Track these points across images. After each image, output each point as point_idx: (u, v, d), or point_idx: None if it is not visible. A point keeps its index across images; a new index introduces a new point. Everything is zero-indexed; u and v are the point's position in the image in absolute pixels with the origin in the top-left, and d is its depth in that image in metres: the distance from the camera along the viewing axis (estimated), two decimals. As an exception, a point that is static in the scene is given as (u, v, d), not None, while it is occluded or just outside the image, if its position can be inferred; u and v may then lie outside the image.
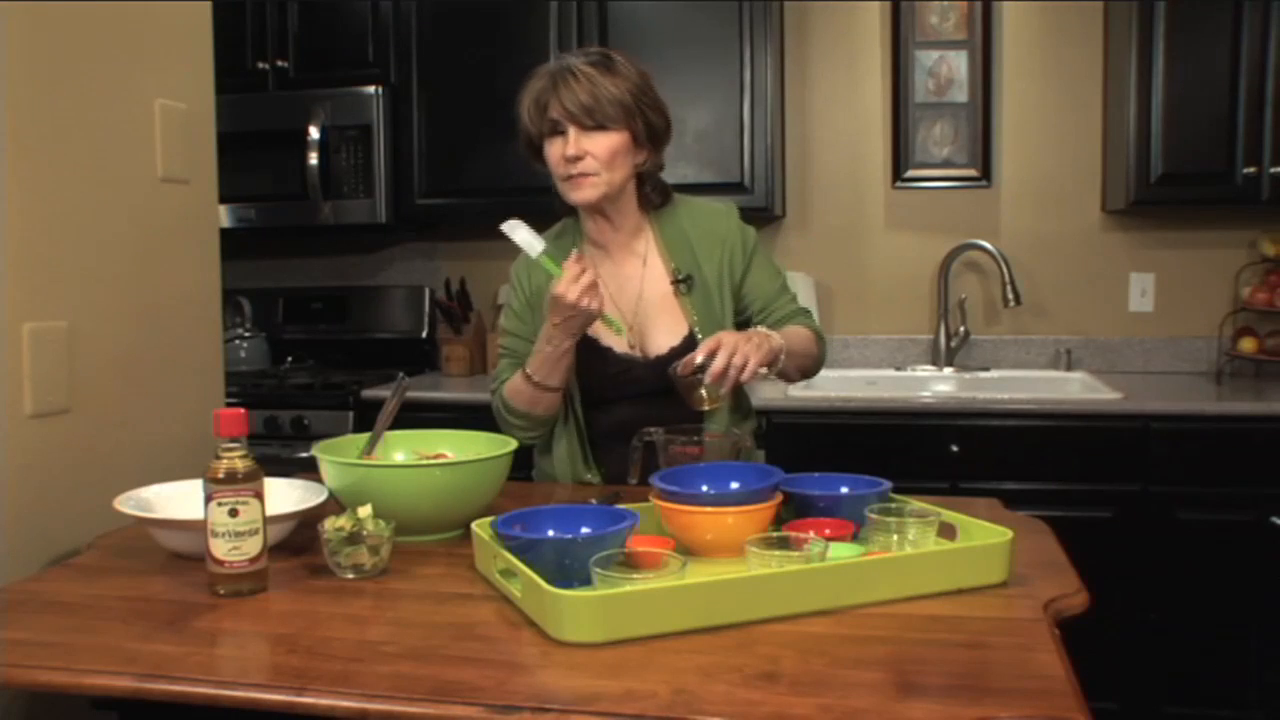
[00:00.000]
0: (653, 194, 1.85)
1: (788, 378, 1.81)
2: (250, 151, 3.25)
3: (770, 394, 2.76)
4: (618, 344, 1.81)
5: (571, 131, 1.70)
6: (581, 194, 1.74)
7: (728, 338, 1.58)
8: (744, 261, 1.85)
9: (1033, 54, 3.28)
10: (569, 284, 1.63)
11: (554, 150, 1.73)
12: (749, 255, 1.86)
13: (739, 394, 1.88)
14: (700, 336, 1.77)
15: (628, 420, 1.72)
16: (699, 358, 1.57)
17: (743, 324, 1.85)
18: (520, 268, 1.90)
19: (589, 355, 1.79)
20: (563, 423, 1.84)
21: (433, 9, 3.24)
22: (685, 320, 1.81)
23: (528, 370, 1.77)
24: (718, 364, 1.54)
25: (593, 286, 1.64)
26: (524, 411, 1.81)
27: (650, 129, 1.76)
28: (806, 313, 1.91)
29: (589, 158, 1.71)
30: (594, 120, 1.70)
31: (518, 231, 1.68)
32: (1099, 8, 3.23)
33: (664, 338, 1.81)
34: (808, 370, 1.84)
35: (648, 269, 1.85)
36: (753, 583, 1.15)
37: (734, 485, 1.41)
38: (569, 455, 1.84)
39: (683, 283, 1.82)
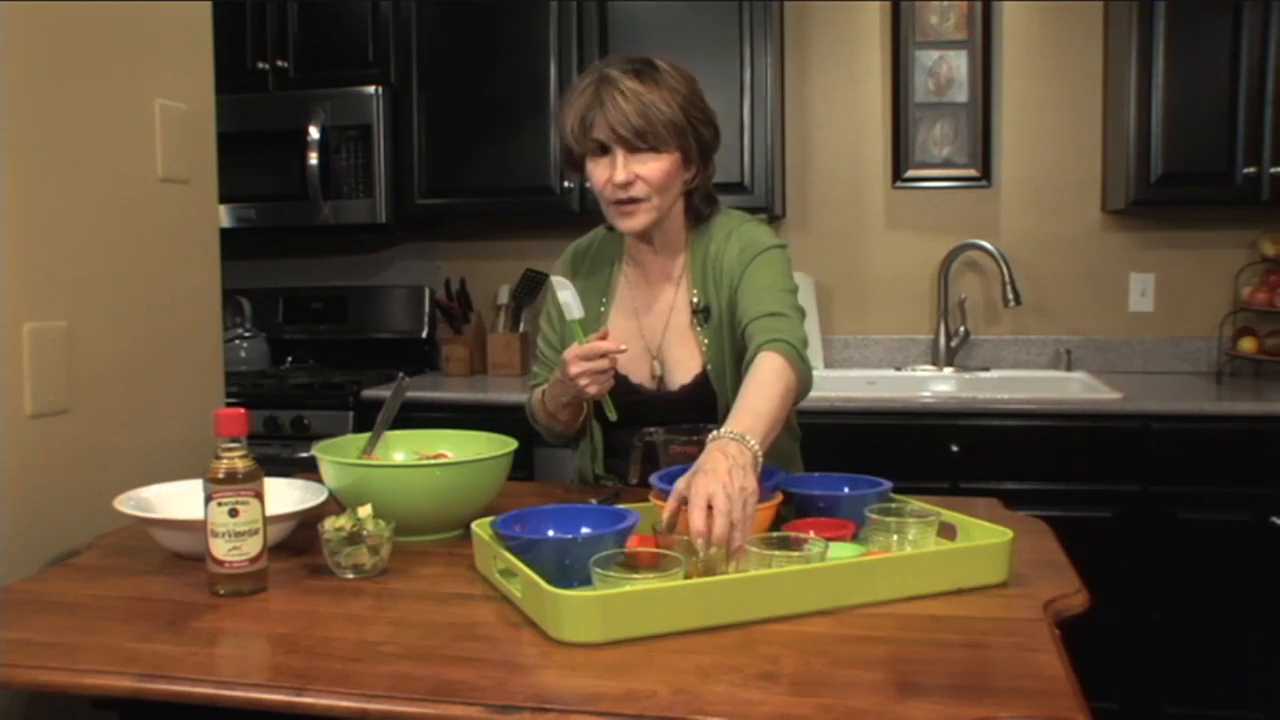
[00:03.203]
0: (701, 205, 1.73)
1: None
2: (250, 151, 3.25)
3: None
4: (635, 373, 1.74)
5: (620, 154, 1.58)
6: (632, 222, 1.63)
7: (702, 486, 1.21)
8: (740, 274, 1.66)
9: (1033, 54, 3.28)
10: (576, 358, 1.54)
11: (599, 172, 1.61)
12: (745, 264, 1.66)
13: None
14: (711, 374, 1.69)
15: None
16: (667, 513, 1.26)
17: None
18: (565, 270, 1.83)
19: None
20: (584, 437, 1.81)
21: (433, 9, 3.24)
22: (700, 356, 1.71)
23: (545, 394, 1.74)
24: (717, 531, 1.18)
25: (600, 373, 1.55)
26: (544, 425, 1.81)
27: (701, 144, 1.64)
28: (777, 318, 1.57)
29: (639, 182, 1.59)
30: (645, 143, 1.58)
31: (563, 291, 1.60)
32: (1099, 8, 3.23)
33: (679, 373, 1.72)
34: (790, 409, 1.56)
35: (678, 296, 1.75)
36: (753, 583, 1.15)
37: (734, 485, 1.41)
38: (589, 463, 1.81)
39: (699, 314, 1.71)
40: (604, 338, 1.58)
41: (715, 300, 1.70)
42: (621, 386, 1.70)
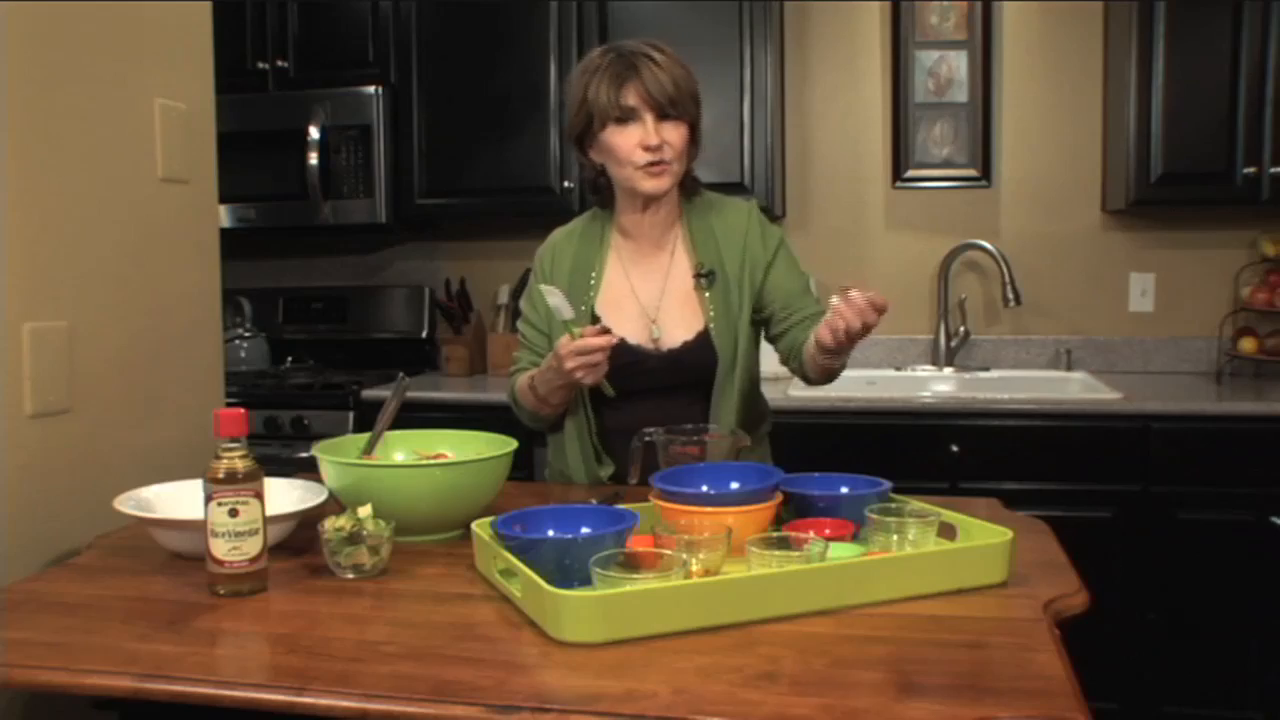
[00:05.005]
0: (689, 183, 1.83)
1: (809, 376, 1.77)
2: (250, 151, 3.25)
3: (770, 394, 2.75)
4: (632, 334, 1.79)
5: (650, 119, 1.69)
6: (660, 183, 1.72)
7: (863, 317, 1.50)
8: (766, 260, 1.81)
9: (1033, 54, 3.28)
10: (570, 353, 1.61)
11: (627, 138, 1.70)
12: (773, 254, 1.82)
13: (756, 400, 1.88)
14: (714, 332, 1.78)
15: (639, 417, 1.69)
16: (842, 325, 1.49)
17: (761, 322, 1.84)
18: (545, 253, 1.89)
19: None
20: (572, 417, 1.82)
21: (433, 9, 3.24)
22: (702, 315, 1.80)
23: (534, 379, 1.77)
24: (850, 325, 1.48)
25: (593, 366, 1.62)
26: (530, 410, 1.84)
27: (699, 122, 1.76)
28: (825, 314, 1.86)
29: (666, 146, 1.69)
30: (675, 110, 1.69)
31: (552, 297, 1.64)
32: (1099, 8, 3.23)
33: (679, 332, 1.80)
34: (833, 374, 1.76)
35: (674, 262, 1.84)
36: (753, 583, 1.15)
37: (734, 485, 1.41)
38: (581, 453, 1.82)
39: (704, 277, 1.80)
40: (599, 333, 1.63)
41: (721, 266, 1.80)
42: (620, 348, 1.73)
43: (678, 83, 1.69)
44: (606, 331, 1.65)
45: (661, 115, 1.69)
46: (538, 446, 2.81)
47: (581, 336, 1.61)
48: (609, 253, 1.86)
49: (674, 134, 1.70)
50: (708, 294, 1.80)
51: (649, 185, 1.72)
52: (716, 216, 1.84)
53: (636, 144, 1.69)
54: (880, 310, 1.47)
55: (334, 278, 3.73)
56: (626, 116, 1.69)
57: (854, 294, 1.47)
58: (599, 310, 1.81)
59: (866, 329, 1.49)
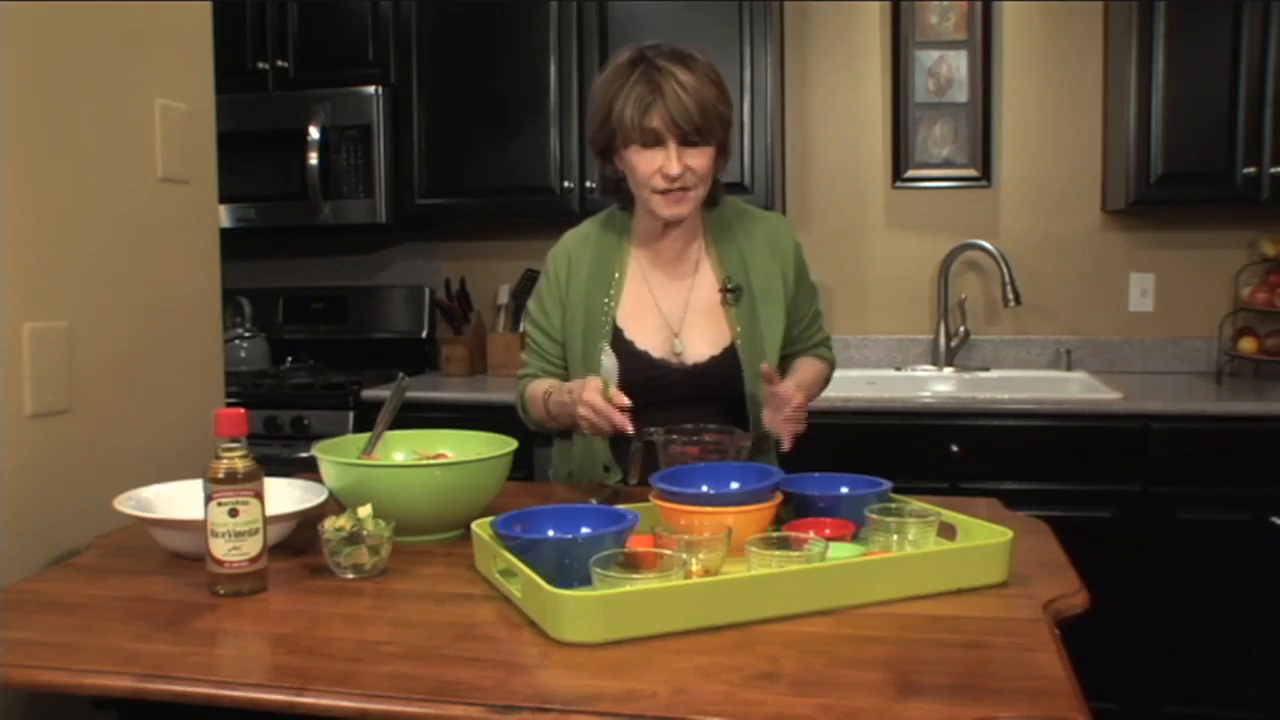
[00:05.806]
0: (716, 192, 1.79)
1: None
2: (250, 151, 3.25)
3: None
4: (654, 348, 1.76)
5: (673, 146, 1.63)
6: (679, 209, 1.68)
7: (798, 400, 1.63)
8: (794, 279, 1.81)
9: (1033, 54, 3.28)
10: (589, 402, 1.53)
11: (649, 162, 1.65)
12: (798, 273, 1.82)
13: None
14: (741, 348, 1.75)
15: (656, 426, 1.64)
16: (770, 388, 1.61)
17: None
18: (559, 258, 1.84)
19: (624, 357, 1.74)
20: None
21: (433, 9, 3.24)
22: (729, 331, 1.77)
23: (549, 393, 1.73)
24: (782, 413, 1.62)
25: (603, 422, 1.54)
26: (537, 419, 1.82)
27: (729, 137, 1.72)
28: (828, 341, 1.91)
29: (688, 173, 1.64)
30: (700, 137, 1.63)
31: (608, 358, 1.67)
32: (1099, 8, 3.23)
33: (705, 346, 1.77)
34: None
35: (698, 275, 1.80)
36: (753, 583, 1.15)
37: (734, 485, 1.42)
38: (589, 457, 1.80)
39: (731, 293, 1.77)
40: (622, 410, 1.55)
41: (748, 280, 1.78)
42: (643, 361, 1.73)
43: (705, 107, 1.61)
44: (630, 410, 1.54)
45: (685, 141, 1.63)
46: (538, 446, 2.81)
47: (610, 400, 1.54)
48: (628, 261, 1.82)
49: (698, 160, 1.64)
50: (734, 310, 1.77)
51: (666, 212, 1.69)
52: (742, 229, 1.81)
53: (657, 169, 1.64)
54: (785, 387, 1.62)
55: (334, 278, 3.73)
56: (650, 141, 1.63)
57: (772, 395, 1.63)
58: (620, 322, 1.77)
59: (801, 404, 1.64)
